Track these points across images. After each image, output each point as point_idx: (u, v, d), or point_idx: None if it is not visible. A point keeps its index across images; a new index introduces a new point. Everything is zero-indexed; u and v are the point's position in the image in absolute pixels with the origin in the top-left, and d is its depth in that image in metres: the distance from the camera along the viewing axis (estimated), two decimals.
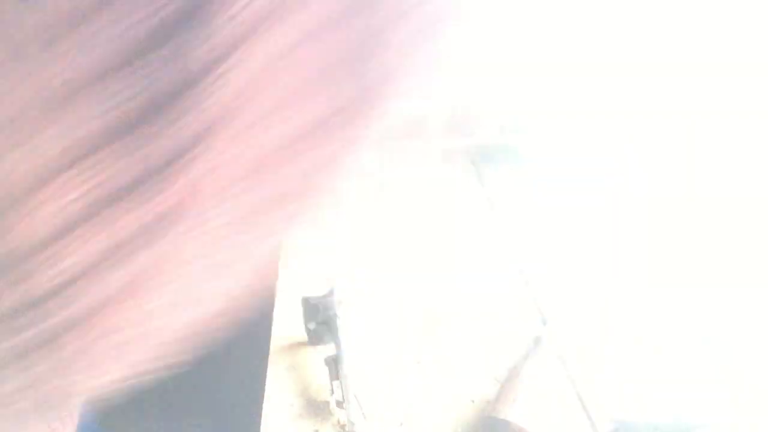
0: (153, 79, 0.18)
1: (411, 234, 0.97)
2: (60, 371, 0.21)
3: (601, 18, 0.98)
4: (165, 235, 0.19)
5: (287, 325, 0.78)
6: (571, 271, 0.87)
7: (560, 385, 0.67)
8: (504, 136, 1.20)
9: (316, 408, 0.65)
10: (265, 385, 0.71)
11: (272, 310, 0.77)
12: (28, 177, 0.18)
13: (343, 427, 0.63)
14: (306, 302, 0.72)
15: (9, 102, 0.18)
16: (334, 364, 0.65)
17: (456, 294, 0.83)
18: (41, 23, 0.18)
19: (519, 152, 1.17)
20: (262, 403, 0.69)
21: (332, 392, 0.64)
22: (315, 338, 0.73)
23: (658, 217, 0.93)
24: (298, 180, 0.22)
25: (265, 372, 0.72)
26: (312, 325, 0.72)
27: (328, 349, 0.73)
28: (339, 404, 0.63)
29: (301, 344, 0.74)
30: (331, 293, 0.73)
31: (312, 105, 0.21)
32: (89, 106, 0.18)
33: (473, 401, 0.66)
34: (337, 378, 0.64)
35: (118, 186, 0.18)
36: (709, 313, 0.73)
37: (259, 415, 0.67)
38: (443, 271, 0.88)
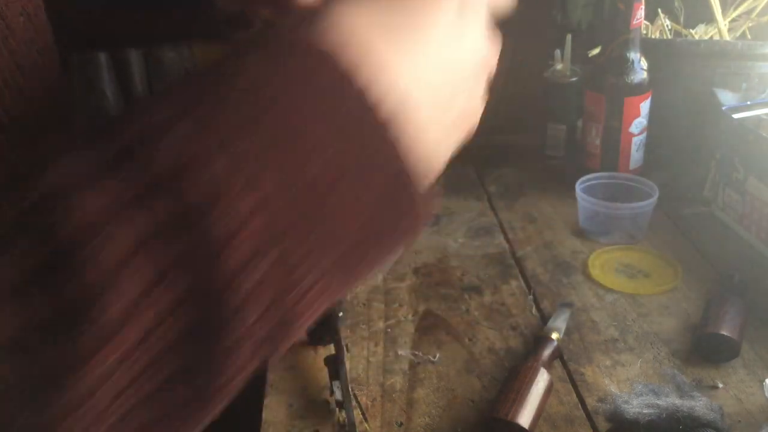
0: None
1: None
2: None
3: None
4: None
5: None
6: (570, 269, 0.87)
7: (560, 386, 0.67)
8: None
9: (316, 408, 0.65)
10: (265, 384, 0.71)
11: None
12: None
13: (343, 427, 0.63)
14: None
15: None
16: (334, 364, 0.65)
17: (456, 293, 0.83)
18: None
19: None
20: (262, 402, 0.69)
21: (332, 392, 0.64)
22: (315, 338, 0.73)
23: None
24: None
25: (266, 372, 0.72)
26: (312, 325, 0.72)
27: (328, 349, 0.73)
28: (339, 404, 0.63)
29: (301, 344, 0.74)
30: None
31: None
32: None
33: (473, 401, 0.66)
34: (337, 378, 0.64)
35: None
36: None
37: (259, 415, 0.67)
38: (443, 271, 0.88)
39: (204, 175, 0.24)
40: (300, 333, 0.28)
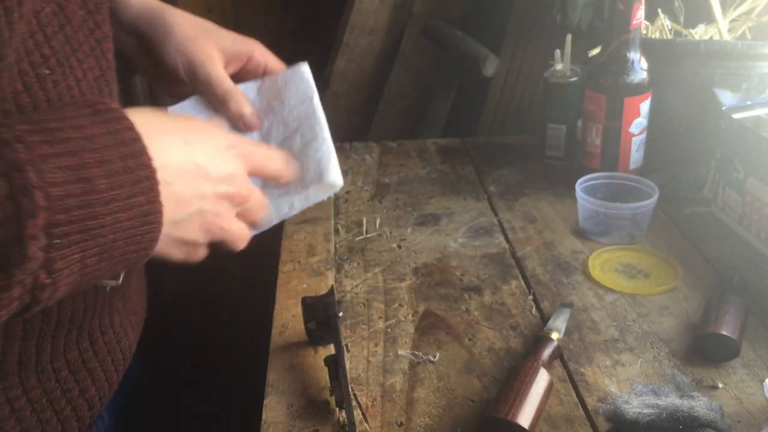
0: None
1: (409, 234, 0.97)
2: None
3: None
4: None
5: (287, 325, 0.78)
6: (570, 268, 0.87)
7: (560, 386, 0.67)
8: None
9: (316, 408, 0.65)
10: (265, 384, 0.71)
11: (272, 310, 0.78)
12: None
13: (343, 427, 0.63)
14: (306, 302, 0.72)
15: None
16: (334, 364, 0.65)
17: (456, 293, 0.83)
18: None
19: None
20: (262, 402, 0.69)
21: (332, 392, 0.64)
22: (315, 338, 0.73)
23: None
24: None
25: (266, 372, 0.72)
26: (312, 325, 0.72)
27: (328, 349, 0.73)
28: (339, 404, 0.63)
29: (301, 344, 0.74)
30: (331, 293, 0.73)
31: None
32: None
33: (473, 401, 0.66)
34: (337, 378, 0.63)
35: None
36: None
37: (259, 415, 0.67)
38: (443, 270, 0.88)
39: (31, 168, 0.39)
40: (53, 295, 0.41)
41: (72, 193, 0.39)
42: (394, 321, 0.78)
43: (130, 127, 0.44)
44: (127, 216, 0.42)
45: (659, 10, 1.10)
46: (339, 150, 1.24)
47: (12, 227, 0.37)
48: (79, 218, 0.40)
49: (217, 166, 0.51)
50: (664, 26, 1.10)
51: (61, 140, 0.40)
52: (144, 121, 0.45)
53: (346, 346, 0.74)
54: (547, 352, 0.68)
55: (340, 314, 0.76)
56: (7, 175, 0.37)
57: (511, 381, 0.63)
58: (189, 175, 0.48)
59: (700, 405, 0.61)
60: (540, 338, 0.70)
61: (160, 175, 0.44)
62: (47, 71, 0.47)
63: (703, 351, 0.70)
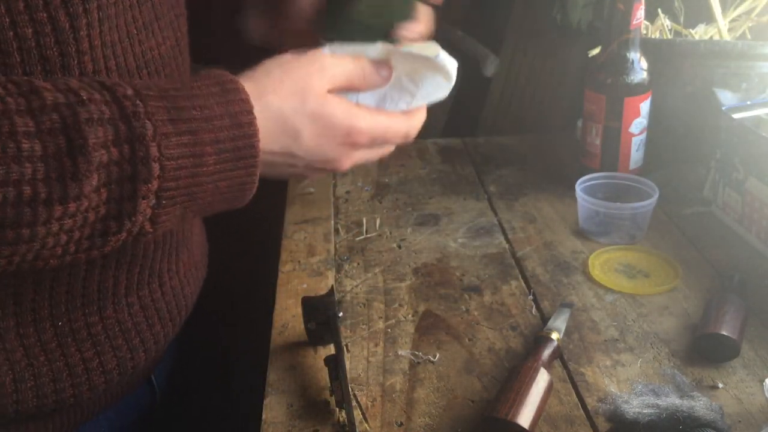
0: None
1: (409, 234, 0.97)
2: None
3: None
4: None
5: (287, 325, 0.78)
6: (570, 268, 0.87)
7: (560, 386, 0.67)
8: None
9: (316, 408, 0.65)
10: (265, 384, 0.71)
11: (272, 310, 0.78)
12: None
13: (343, 427, 0.63)
14: (306, 302, 0.72)
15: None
16: (334, 364, 0.65)
17: (456, 293, 0.83)
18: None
19: None
20: (262, 402, 0.69)
21: (332, 392, 0.64)
22: (315, 338, 0.73)
23: None
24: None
25: (266, 372, 0.72)
26: (312, 325, 0.72)
27: (328, 349, 0.73)
28: (339, 404, 0.63)
29: (301, 344, 0.74)
30: (331, 293, 0.73)
31: None
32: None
33: (473, 401, 0.66)
34: (337, 378, 0.63)
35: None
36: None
37: (259, 415, 0.67)
38: (443, 271, 0.88)
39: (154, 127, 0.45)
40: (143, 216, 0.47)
41: (184, 165, 0.46)
42: (394, 321, 0.78)
43: (249, 111, 0.49)
44: (227, 185, 0.50)
45: (659, 10, 1.10)
46: None
47: (128, 186, 0.44)
48: (185, 185, 0.47)
49: (317, 154, 0.55)
50: (664, 26, 1.10)
51: (184, 120, 0.46)
52: (269, 102, 0.51)
53: (346, 346, 0.74)
54: (547, 352, 0.68)
55: (340, 314, 0.76)
56: (132, 144, 0.44)
57: (511, 381, 0.63)
58: (286, 156, 0.54)
59: (700, 405, 0.61)
60: (540, 338, 0.70)
61: (262, 156, 0.51)
62: (135, 31, 0.55)
63: (703, 351, 0.70)
